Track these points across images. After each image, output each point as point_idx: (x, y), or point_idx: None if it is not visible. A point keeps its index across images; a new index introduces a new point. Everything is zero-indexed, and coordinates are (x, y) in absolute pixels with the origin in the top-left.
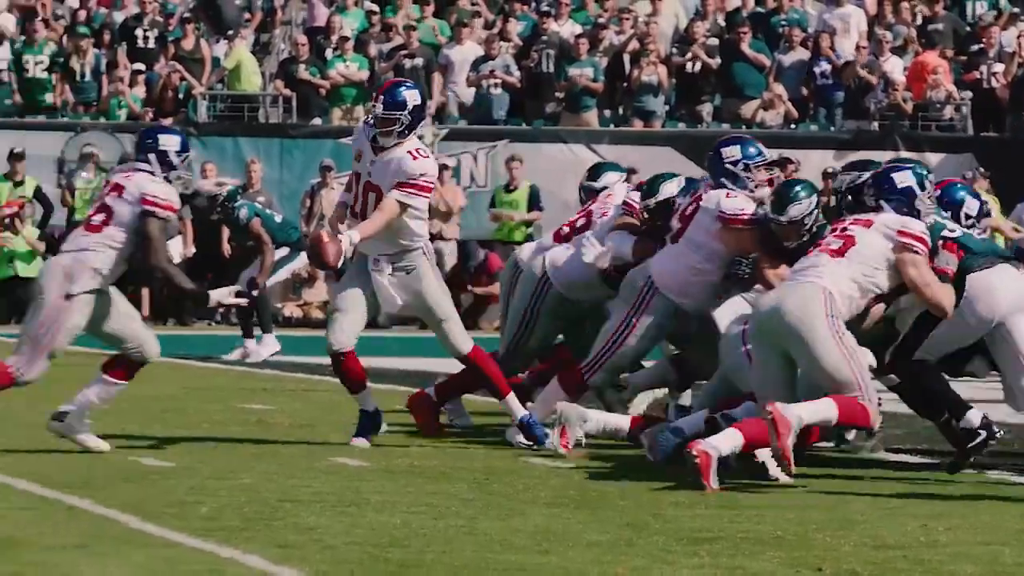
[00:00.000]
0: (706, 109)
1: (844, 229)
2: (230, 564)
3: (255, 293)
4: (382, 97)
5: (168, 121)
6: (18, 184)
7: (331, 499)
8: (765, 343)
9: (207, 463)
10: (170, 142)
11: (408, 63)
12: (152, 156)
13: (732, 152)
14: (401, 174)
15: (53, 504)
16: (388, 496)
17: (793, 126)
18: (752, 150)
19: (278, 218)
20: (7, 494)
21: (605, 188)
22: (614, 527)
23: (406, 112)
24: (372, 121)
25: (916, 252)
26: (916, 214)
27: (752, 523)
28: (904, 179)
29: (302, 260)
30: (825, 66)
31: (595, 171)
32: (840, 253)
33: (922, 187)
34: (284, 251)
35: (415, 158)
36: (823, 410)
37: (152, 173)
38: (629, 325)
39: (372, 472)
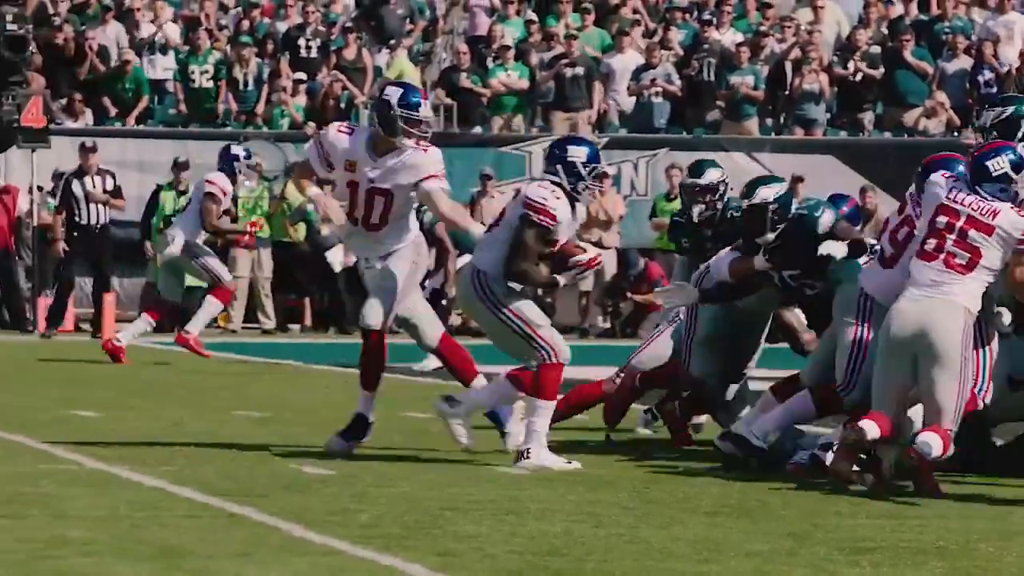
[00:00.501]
0: (867, 117)
1: (964, 234)
2: (391, 572)
3: (444, 303)
4: (425, 100)
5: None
6: (181, 193)
7: (491, 507)
8: (900, 355)
9: (368, 471)
10: (578, 153)
11: (569, 72)
12: (559, 167)
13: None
14: (423, 168)
15: (215, 512)
16: (548, 504)
17: (956, 134)
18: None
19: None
20: (170, 502)
21: None
22: (775, 536)
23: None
24: (400, 123)
25: None
26: (1014, 197)
27: (915, 533)
28: (999, 165)
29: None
30: (989, 74)
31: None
32: (969, 269)
33: (1018, 170)
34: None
35: (425, 149)
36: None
37: (559, 185)
38: (862, 337)
39: (531, 480)
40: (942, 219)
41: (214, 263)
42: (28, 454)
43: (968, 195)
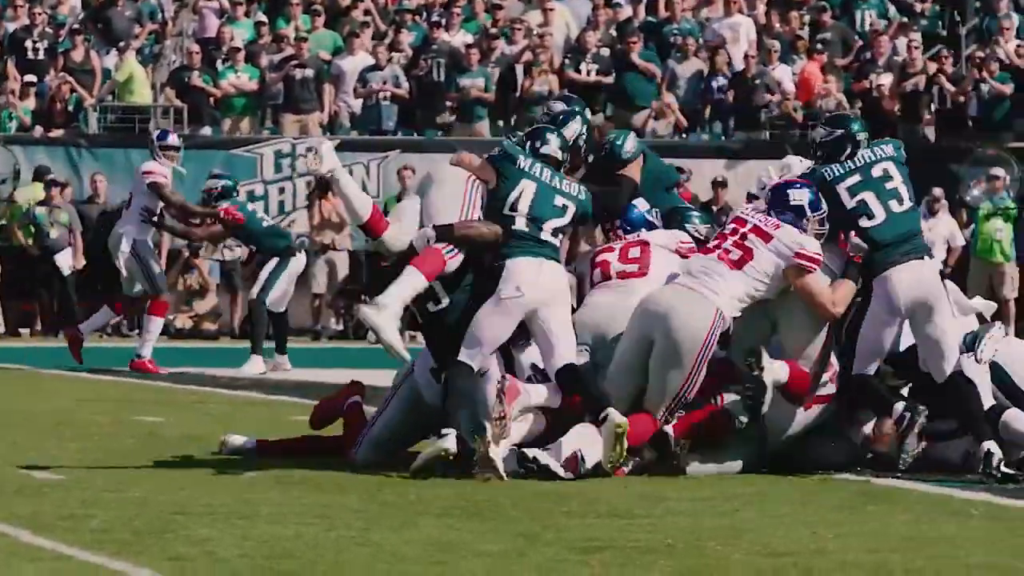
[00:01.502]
0: (598, 119)
1: (744, 236)
2: None
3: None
4: None
5: (58, 133)
6: None
7: (223, 511)
8: (638, 336)
9: (99, 475)
10: (802, 197)
11: (299, 73)
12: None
13: None
14: None
15: None
16: (280, 507)
17: (684, 136)
18: None
19: (266, 223)
20: None
21: None
22: (506, 536)
23: None
24: None
25: (811, 272)
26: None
27: (644, 532)
28: (797, 197)
29: (298, 265)
30: (722, 80)
31: None
32: (739, 265)
33: (813, 208)
34: (274, 261)
35: None
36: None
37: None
38: None
39: (264, 483)
40: (732, 225)
41: (157, 271)
42: None
43: (764, 212)
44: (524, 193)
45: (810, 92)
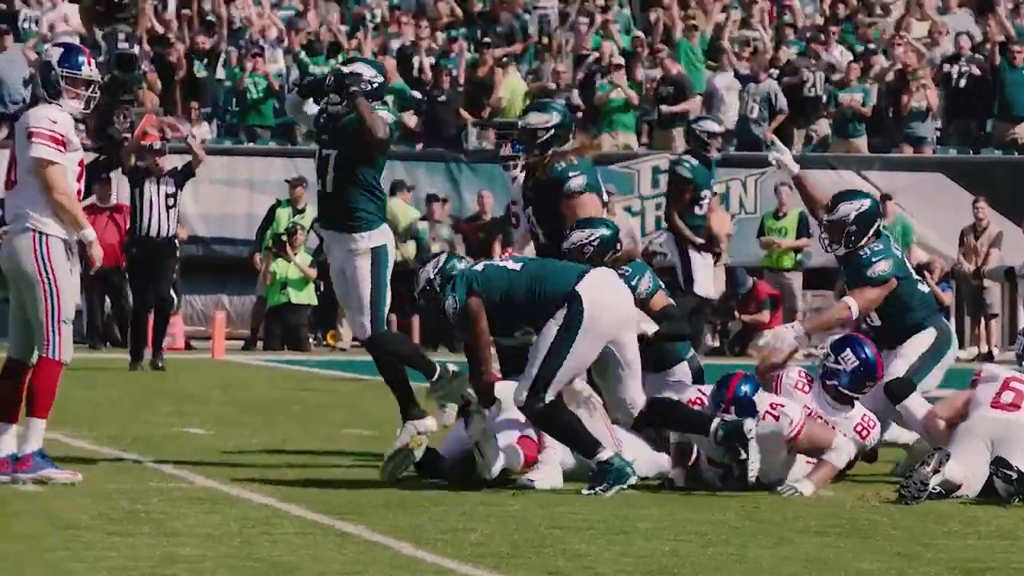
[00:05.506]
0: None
1: None
2: None
3: None
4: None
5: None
6: (299, 211)
7: (600, 527)
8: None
9: (477, 490)
10: None
11: (664, 91)
12: None
13: None
14: None
15: (325, 529)
16: (657, 524)
17: None
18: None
19: None
20: (280, 520)
21: None
22: (885, 556)
23: None
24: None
25: None
26: None
27: None
28: None
29: None
30: None
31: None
32: None
33: None
34: None
35: None
36: None
37: None
38: None
39: (641, 500)
40: None
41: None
42: (139, 472)
43: None
44: None
45: None
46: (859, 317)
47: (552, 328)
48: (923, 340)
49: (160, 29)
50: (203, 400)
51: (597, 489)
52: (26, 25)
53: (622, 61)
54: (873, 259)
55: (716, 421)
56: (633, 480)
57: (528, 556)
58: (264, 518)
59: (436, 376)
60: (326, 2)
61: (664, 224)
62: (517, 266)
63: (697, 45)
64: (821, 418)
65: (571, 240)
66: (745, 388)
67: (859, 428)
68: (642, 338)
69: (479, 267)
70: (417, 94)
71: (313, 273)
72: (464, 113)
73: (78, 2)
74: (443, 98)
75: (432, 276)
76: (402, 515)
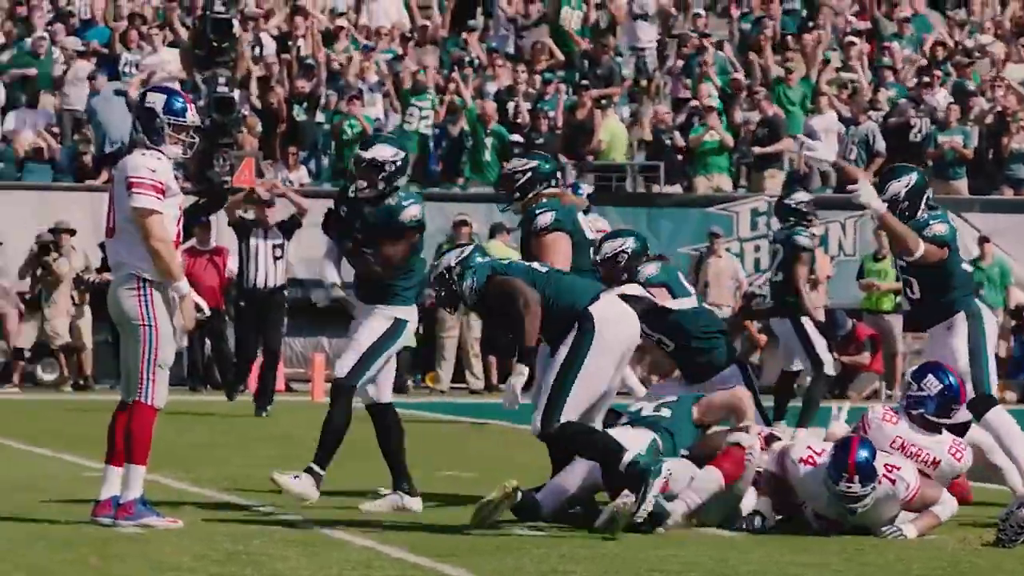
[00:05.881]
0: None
1: None
2: None
3: None
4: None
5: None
6: None
7: (698, 569)
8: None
9: (575, 531)
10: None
11: (759, 132)
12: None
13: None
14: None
15: (427, 571)
16: (760, 567)
17: None
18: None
19: None
20: (381, 562)
21: None
22: None
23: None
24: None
25: None
26: None
27: None
28: None
29: None
30: None
31: None
32: None
33: None
34: None
35: None
36: None
37: None
38: None
39: (744, 542)
40: None
41: None
42: (240, 513)
43: None
44: None
45: None
46: (916, 260)
47: (562, 352)
48: (959, 334)
49: (259, 72)
50: (302, 443)
51: (639, 507)
52: (126, 69)
53: (716, 103)
54: (931, 221)
55: (628, 455)
56: (664, 473)
57: None
58: (365, 560)
59: None
60: (423, 46)
61: (769, 273)
62: (543, 269)
63: (797, 87)
64: (915, 446)
65: (603, 251)
66: (864, 454)
67: (952, 451)
68: None
69: (505, 261)
70: (517, 137)
71: None
72: (562, 157)
73: (178, 46)
74: (540, 140)
75: (453, 264)
76: (503, 557)
